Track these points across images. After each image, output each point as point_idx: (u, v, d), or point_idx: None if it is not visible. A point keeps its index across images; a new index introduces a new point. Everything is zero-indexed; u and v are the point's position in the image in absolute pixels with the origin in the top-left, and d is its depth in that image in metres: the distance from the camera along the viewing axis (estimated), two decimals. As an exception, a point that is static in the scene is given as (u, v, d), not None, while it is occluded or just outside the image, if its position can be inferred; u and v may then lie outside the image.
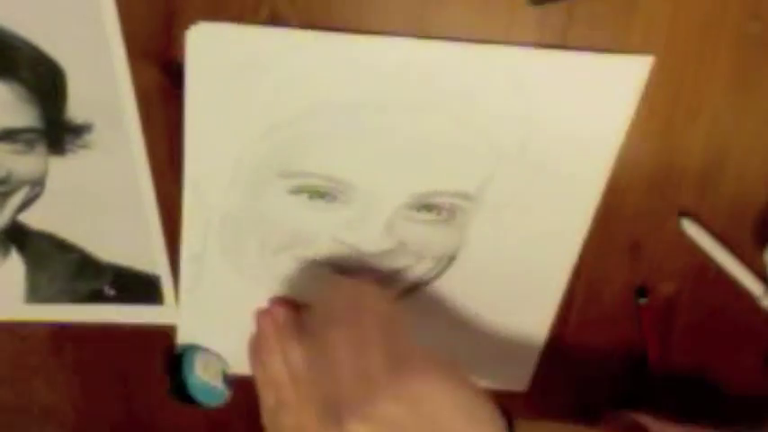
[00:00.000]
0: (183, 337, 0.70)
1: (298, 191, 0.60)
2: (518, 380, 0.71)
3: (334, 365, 0.53)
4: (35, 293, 0.67)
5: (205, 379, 0.70)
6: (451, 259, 0.64)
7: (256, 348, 0.64)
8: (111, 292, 0.67)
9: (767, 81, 0.55)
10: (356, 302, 0.57)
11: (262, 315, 0.65)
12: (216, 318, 0.69)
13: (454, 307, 0.67)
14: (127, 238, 0.64)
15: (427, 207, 0.61)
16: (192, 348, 0.70)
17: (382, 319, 0.56)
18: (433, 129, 0.57)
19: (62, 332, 0.69)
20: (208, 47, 0.54)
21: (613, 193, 0.60)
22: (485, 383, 0.65)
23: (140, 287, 0.66)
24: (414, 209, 0.61)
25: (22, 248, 0.65)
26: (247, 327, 0.67)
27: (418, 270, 0.65)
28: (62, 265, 0.66)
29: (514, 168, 0.59)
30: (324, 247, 0.63)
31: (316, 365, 0.56)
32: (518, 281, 0.65)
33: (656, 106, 0.56)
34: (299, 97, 0.56)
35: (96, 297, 0.67)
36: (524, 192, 0.60)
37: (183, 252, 0.64)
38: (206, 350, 0.71)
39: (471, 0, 0.53)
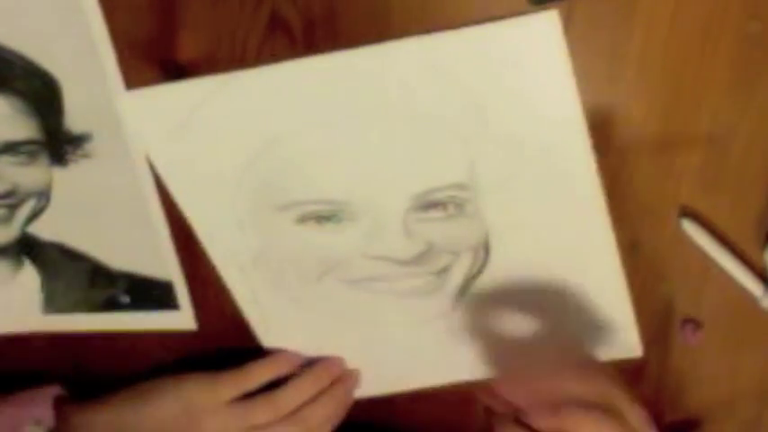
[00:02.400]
0: None
1: (302, 220, 0.59)
2: (627, 345, 0.65)
3: None
4: (51, 304, 0.66)
5: None
6: (487, 247, 0.61)
7: None
8: (125, 299, 0.65)
9: (767, 81, 0.53)
10: None
11: None
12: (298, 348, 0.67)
13: (515, 289, 0.63)
14: (136, 245, 0.62)
15: (432, 205, 0.58)
16: None
17: None
18: (396, 131, 0.55)
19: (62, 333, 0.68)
20: (143, 112, 0.54)
21: (613, 192, 0.58)
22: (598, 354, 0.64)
23: (154, 293, 0.64)
24: (420, 210, 0.58)
25: (35, 259, 0.64)
26: (322, 352, 0.67)
27: (462, 265, 0.62)
28: (75, 275, 0.64)
29: (488, 147, 0.56)
30: (360, 265, 0.61)
31: None
32: (565, 244, 0.60)
33: (656, 106, 0.54)
34: (257, 132, 0.55)
35: (112, 305, 0.66)
36: (514, 166, 0.57)
37: (239, 300, 0.64)
38: None
39: (472, 1, 0.51)
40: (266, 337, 0.66)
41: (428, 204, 0.58)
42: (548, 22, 0.51)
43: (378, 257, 0.60)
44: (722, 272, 0.59)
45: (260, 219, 0.59)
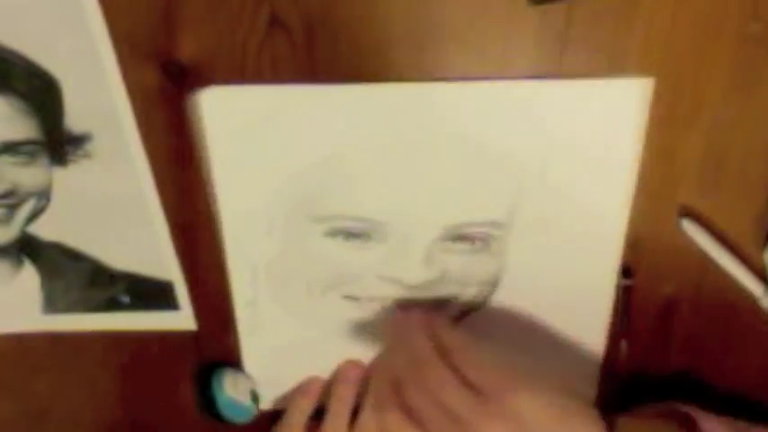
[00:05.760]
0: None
1: (333, 233, 0.59)
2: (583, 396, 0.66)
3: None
4: (51, 304, 0.66)
5: (234, 396, 0.67)
6: (495, 284, 0.62)
7: None
8: (125, 299, 0.65)
9: (767, 81, 0.53)
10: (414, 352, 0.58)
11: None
12: (277, 359, 0.67)
13: (507, 329, 0.64)
14: (136, 245, 0.62)
15: (461, 238, 0.59)
16: (221, 367, 0.68)
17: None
18: (452, 164, 0.56)
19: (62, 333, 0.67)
20: (222, 108, 0.54)
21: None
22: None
23: (154, 294, 0.64)
24: (449, 240, 0.59)
25: (35, 259, 0.63)
26: (306, 366, 0.67)
27: (465, 297, 0.63)
28: (75, 275, 0.64)
29: (538, 193, 0.57)
30: (369, 284, 0.62)
31: None
32: (565, 299, 0.62)
33: (657, 106, 0.54)
34: (315, 146, 0.56)
35: (112, 305, 0.65)
36: (552, 214, 0.58)
37: (237, 300, 0.64)
38: (234, 368, 0.68)
39: (471, 0, 0.50)
40: (248, 337, 0.66)
41: (458, 236, 0.59)
42: (637, 90, 0.52)
43: (390, 279, 0.61)
44: (722, 272, 0.59)
45: (291, 226, 0.59)
